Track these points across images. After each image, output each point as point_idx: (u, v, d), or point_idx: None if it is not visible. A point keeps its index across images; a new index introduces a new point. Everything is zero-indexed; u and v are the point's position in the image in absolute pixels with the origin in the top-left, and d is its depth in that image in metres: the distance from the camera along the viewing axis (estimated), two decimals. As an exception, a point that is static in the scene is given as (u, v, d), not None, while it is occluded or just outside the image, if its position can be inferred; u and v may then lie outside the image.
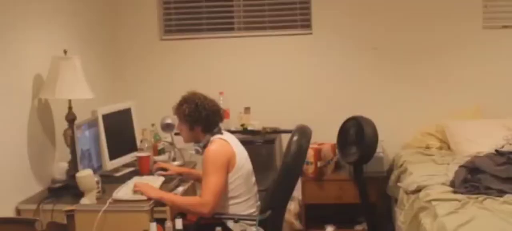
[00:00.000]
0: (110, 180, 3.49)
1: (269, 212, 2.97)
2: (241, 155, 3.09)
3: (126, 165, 3.78)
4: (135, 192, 3.07)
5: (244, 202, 3.06)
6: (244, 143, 3.22)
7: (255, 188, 3.17)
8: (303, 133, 3.09)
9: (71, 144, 3.29)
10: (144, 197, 3.04)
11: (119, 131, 3.78)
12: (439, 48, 4.46)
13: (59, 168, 3.43)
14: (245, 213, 3.05)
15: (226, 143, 3.05)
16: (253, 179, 3.17)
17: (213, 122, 3.11)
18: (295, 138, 3.02)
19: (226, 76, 4.60)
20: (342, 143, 4.18)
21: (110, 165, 3.58)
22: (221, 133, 3.12)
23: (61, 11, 3.73)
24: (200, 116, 3.07)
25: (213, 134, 3.09)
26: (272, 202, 3.04)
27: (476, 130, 4.13)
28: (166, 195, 3.10)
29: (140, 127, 4.00)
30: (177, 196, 3.17)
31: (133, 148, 3.86)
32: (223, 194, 3.01)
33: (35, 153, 3.32)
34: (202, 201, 2.95)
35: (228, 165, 3.00)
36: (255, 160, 3.34)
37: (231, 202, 3.05)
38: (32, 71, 3.35)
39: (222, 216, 2.99)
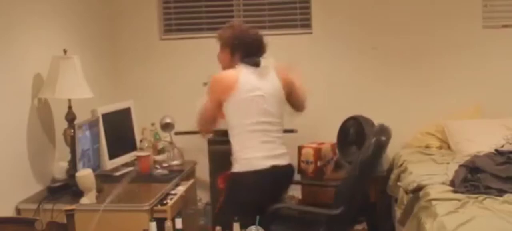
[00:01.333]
0: (109, 180, 3.49)
1: (342, 208, 2.96)
2: (247, 85, 3.07)
3: (126, 164, 3.78)
4: None
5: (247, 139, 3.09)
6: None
7: (266, 129, 3.12)
8: (383, 131, 3.09)
9: (71, 143, 3.30)
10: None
11: (119, 130, 3.78)
12: (439, 48, 4.46)
13: (59, 167, 3.43)
14: (252, 155, 3.06)
15: (234, 72, 3.11)
16: (264, 119, 3.11)
17: (251, 51, 3.16)
18: (373, 139, 3.02)
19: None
20: (342, 143, 4.18)
21: (109, 164, 3.59)
22: (253, 65, 3.15)
23: (61, 11, 3.73)
24: (242, 42, 3.15)
25: (244, 63, 3.15)
26: (347, 198, 3.03)
27: (476, 129, 4.12)
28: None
29: (140, 126, 4.01)
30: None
31: (132, 147, 3.86)
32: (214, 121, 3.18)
33: (35, 153, 3.32)
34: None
35: (222, 93, 3.07)
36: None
37: (235, 134, 3.11)
38: (32, 71, 3.35)
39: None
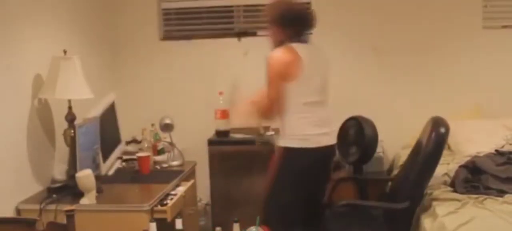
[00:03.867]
0: (108, 180, 3.49)
1: (407, 203, 3.04)
2: (311, 64, 3.10)
3: (119, 158, 3.78)
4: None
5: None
6: (244, 142, 3.20)
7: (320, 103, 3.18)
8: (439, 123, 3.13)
9: (71, 144, 3.29)
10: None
11: (108, 128, 3.74)
12: (439, 48, 4.46)
13: (59, 168, 3.43)
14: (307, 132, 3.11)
15: (291, 49, 3.08)
16: (318, 95, 3.17)
17: (301, 26, 3.18)
18: (435, 131, 3.07)
19: (226, 76, 4.59)
20: (342, 143, 4.18)
21: (104, 167, 3.57)
22: (301, 42, 3.16)
23: (61, 11, 3.73)
24: (292, 18, 3.15)
25: (292, 41, 3.14)
26: (413, 192, 3.10)
27: (476, 130, 4.12)
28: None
29: (136, 124, 4.00)
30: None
31: (117, 141, 3.83)
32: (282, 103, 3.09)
33: (35, 153, 3.31)
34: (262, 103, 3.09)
35: (286, 73, 3.05)
36: (255, 159, 3.32)
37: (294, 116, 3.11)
38: (32, 71, 3.35)
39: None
